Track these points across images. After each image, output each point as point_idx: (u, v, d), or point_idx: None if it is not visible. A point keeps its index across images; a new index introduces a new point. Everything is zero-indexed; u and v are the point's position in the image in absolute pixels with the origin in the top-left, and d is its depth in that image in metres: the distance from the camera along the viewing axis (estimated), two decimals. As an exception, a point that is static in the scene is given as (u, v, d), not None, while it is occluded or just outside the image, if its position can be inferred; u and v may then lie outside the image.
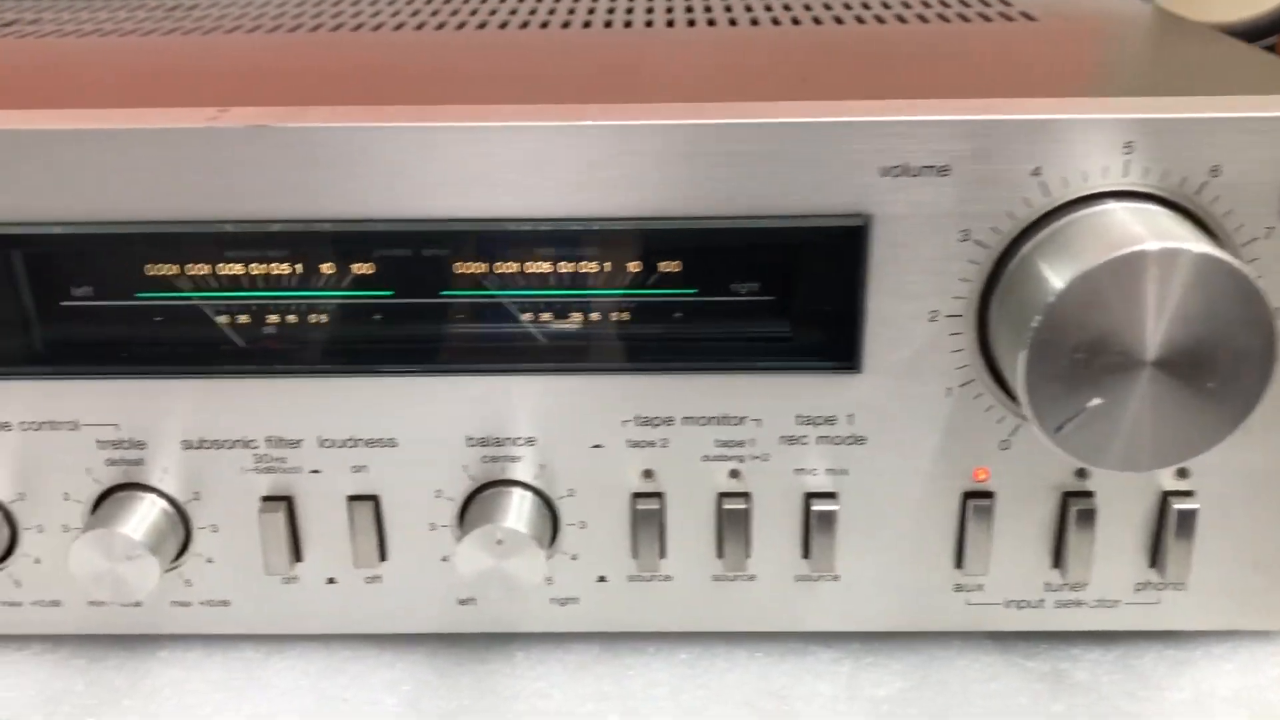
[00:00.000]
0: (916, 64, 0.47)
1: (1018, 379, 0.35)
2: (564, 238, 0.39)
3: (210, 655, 0.44)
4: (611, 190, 0.37)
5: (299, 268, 0.40)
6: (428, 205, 0.38)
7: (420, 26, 0.56)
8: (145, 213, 0.38)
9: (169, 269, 0.40)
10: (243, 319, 0.40)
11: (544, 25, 0.55)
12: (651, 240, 0.39)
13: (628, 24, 0.55)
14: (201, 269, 0.40)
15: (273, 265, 0.40)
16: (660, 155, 0.37)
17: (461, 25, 0.56)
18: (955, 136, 0.36)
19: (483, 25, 0.56)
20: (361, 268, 0.40)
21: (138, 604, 0.44)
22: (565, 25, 0.55)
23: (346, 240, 0.39)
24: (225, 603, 0.44)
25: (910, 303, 0.38)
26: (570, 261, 0.40)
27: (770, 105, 0.37)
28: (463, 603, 0.44)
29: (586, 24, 0.55)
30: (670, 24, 0.55)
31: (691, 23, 0.55)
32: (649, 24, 0.55)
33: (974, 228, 0.37)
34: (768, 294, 0.40)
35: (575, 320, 0.40)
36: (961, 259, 0.38)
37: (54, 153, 0.37)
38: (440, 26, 0.56)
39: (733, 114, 0.37)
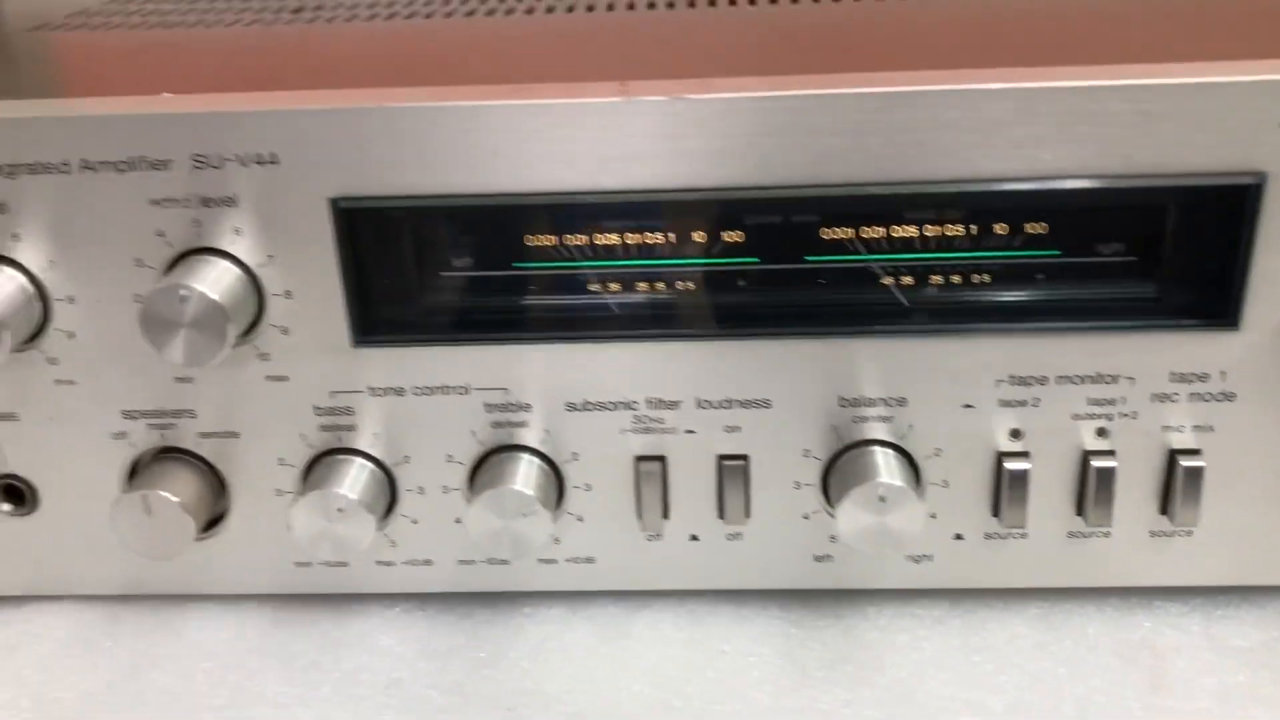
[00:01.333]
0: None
1: None
2: (931, 201, 0.40)
3: (575, 612, 0.46)
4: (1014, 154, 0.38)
5: (672, 236, 0.42)
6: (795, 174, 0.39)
7: None
8: (526, 185, 0.40)
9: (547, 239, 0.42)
10: (615, 286, 0.42)
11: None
12: (1027, 201, 0.40)
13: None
14: (580, 239, 0.42)
15: (646, 235, 0.42)
16: (1063, 118, 0.38)
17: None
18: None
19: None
20: (731, 235, 0.42)
21: (505, 562, 0.46)
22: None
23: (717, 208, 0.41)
24: (590, 559, 0.46)
25: (1297, 259, 0.39)
26: (935, 225, 0.41)
27: (1166, 66, 0.38)
28: (818, 559, 0.45)
29: None
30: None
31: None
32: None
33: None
34: (1133, 254, 0.41)
35: (937, 282, 0.41)
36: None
37: (456, 127, 0.39)
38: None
39: (1134, 75, 0.38)
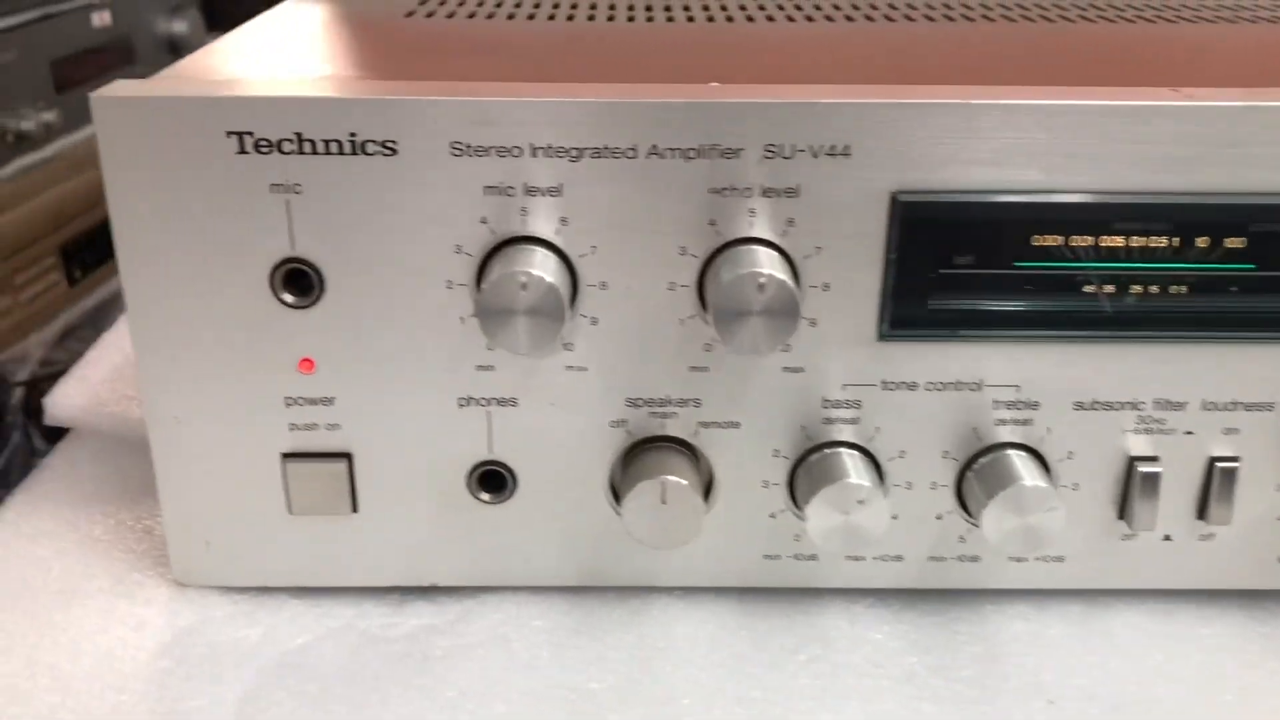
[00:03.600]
0: None
1: None
2: None
3: (1041, 609, 0.47)
4: None
5: (1177, 241, 0.43)
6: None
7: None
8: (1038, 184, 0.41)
9: (1052, 239, 0.43)
10: (1136, 288, 0.43)
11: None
12: None
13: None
14: (1085, 240, 0.43)
15: (1150, 238, 0.43)
16: None
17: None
18: None
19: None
20: (1233, 241, 0.43)
21: (976, 559, 0.46)
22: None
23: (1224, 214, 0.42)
24: (1060, 558, 0.46)
25: None
26: None
27: None
28: (1284, 562, 0.46)
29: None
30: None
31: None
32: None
33: None
34: None
35: None
36: None
37: (1034, 124, 0.40)
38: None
39: None
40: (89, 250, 1.27)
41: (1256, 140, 0.40)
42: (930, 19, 0.59)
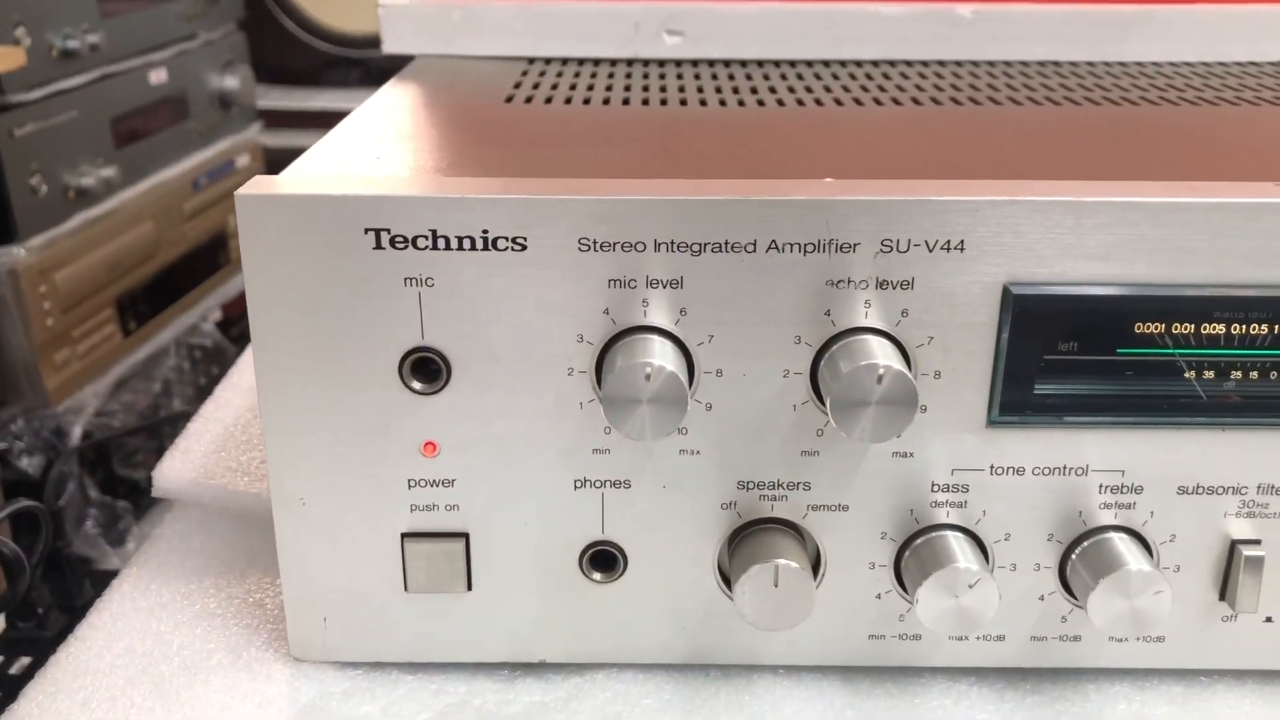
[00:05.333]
0: None
1: None
2: None
3: (1142, 690, 0.47)
4: None
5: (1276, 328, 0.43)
6: None
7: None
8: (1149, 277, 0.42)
9: (1155, 326, 0.44)
10: (1236, 374, 0.44)
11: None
12: None
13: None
14: (1186, 328, 0.44)
15: (1252, 325, 0.44)
16: None
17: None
18: None
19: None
20: (1333, 330, 0.44)
21: (1077, 639, 0.47)
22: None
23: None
24: (1161, 638, 0.47)
25: None
26: None
27: None
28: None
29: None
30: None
31: None
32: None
33: None
34: None
35: None
36: None
37: (1146, 222, 0.41)
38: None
39: None
40: (144, 302, 1.30)
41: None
42: (1015, 101, 0.60)
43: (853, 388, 0.40)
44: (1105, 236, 0.41)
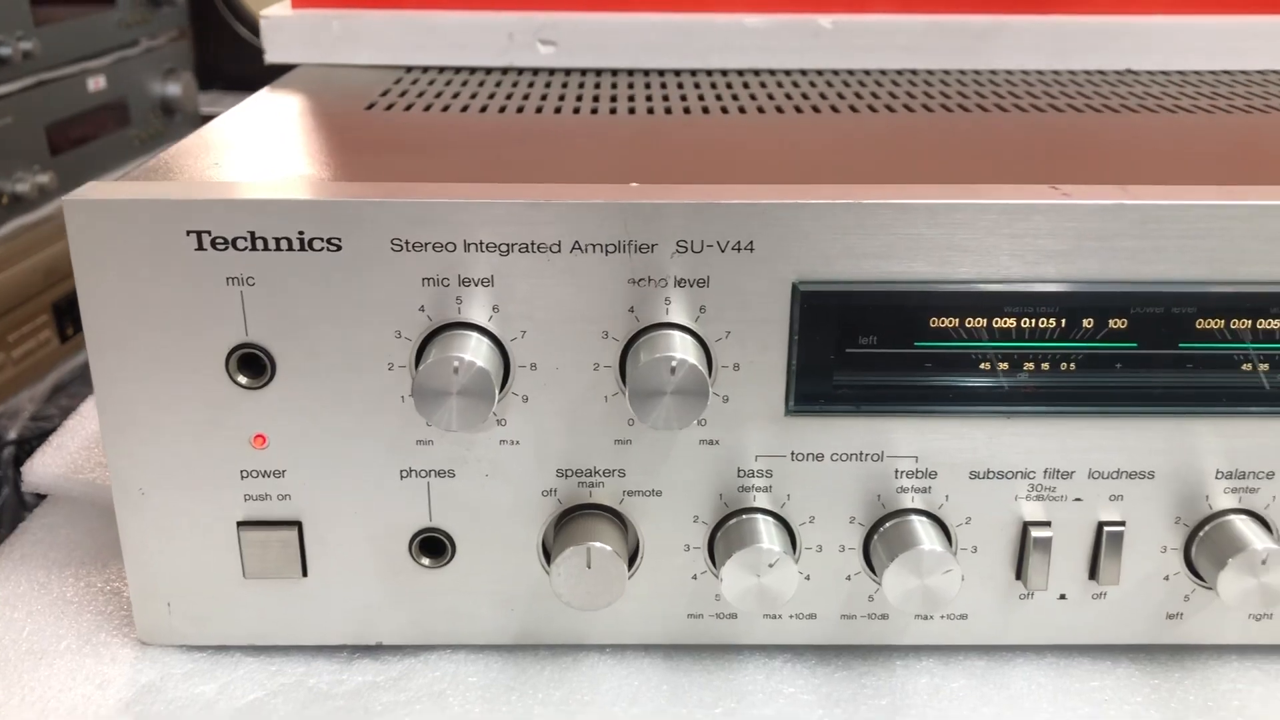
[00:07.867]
0: None
1: None
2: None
3: (947, 664, 0.50)
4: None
5: (1063, 322, 0.46)
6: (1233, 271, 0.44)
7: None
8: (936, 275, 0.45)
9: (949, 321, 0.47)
10: (1029, 365, 0.47)
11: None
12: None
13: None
14: (979, 322, 0.47)
15: (1040, 320, 0.47)
16: None
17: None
18: None
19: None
20: (1116, 322, 0.47)
21: (885, 616, 0.50)
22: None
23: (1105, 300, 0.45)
24: (964, 616, 0.50)
25: None
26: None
27: None
28: (1170, 617, 0.50)
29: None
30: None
31: None
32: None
33: None
34: None
35: (1292, 371, 0.47)
36: None
37: (924, 222, 0.44)
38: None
39: None
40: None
41: (1128, 234, 0.44)
42: (872, 109, 0.63)
43: (648, 378, 0.43)
44: (886, 237, 0.44)
